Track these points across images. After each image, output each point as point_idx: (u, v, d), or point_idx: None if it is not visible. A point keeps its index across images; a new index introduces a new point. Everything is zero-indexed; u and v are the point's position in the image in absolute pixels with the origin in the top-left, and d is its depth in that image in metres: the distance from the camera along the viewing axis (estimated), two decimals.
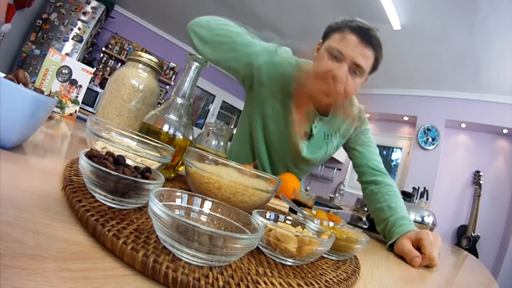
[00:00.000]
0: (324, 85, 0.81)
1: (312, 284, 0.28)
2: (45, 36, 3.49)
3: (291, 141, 0.95)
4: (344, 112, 0.80)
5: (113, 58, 4.41)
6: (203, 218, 0.30)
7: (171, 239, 0.21)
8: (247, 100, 1.01)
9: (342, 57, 0.79)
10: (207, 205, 0.31)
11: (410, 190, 1.81)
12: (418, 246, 0.61)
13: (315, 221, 0.47)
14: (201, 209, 0.31)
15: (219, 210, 0.31)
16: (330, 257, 0.40)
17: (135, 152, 0.37)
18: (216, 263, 0.23)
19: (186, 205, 0.30)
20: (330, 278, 0.31)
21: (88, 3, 3.65)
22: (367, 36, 0.78)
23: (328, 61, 0.81)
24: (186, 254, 0.22)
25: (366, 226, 1.10)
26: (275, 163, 1.03)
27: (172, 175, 0.55)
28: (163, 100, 4.45)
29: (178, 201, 0.29)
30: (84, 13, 3.62)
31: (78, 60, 2.37)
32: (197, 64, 0.54)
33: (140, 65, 0.66)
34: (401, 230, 0.68)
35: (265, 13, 3.11)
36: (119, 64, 4.45)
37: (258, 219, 0.29)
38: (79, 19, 3.60)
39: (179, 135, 0.52)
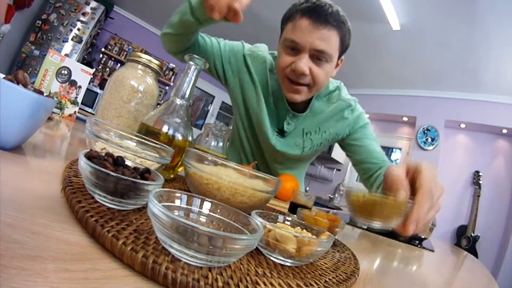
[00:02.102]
0: (289, 82, 0.76)
1: (312, 285, 0.28)
2: (44, 36, 3.49)
3: (263, 134, 0.91)
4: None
5: (113, 59, 4.41)
6: (202, 219, 0.31)
7: (171, 239, 0.22)
8: (231, 98, 0.98)
9: (299, 47, 0.72)
10: (206, 206, 0.31)
11: None
12: (413, 182, 0.43)
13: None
14: (200, 210, 0.31)
15: (218, 211, 0.31)
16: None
17: (134, 153, 0.37)
18: (215, 263, 0.23)
19: (185, 206, 0.30)
20: (329, 279, 0.31)
21: (87, 3, 3.65)
22: (320, 16, 0.69)
23: (286, 55, 0.75)
24: (185, 255, 0.22)
25: (365, 227, 1.10)
26: (260, 164, 0.99)
27: (172, 176, 0.55)
28: (162, 101, 4.45)
29: (177, 202, 0.29)
30: (84, 14, 3.62)
31: (77, 61, 2.37)
32: (196, 65, 0.54)
33: (140, 66, 0.66)
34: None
35: (265, 12, 3.11)
36: (119, 65, 4.45)
37: (257, 220, 0.29)
38: (78, 20, 3.60)
39: (179, 136, 0.52)
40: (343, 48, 0.77)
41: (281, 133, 0.91)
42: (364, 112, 0.94)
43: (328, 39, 0.70)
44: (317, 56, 0.72)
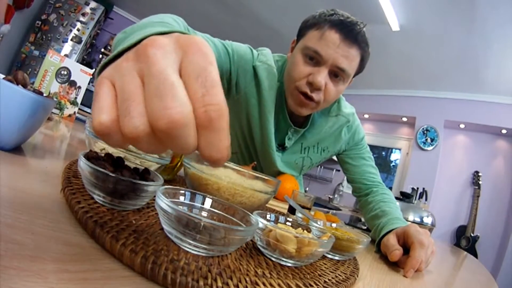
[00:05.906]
0: (299, 94, 0.71)
1: (311, 285, 0.28)
2: (44, 37, 3.49)
3: (267, 152, 0.84)
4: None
5: None
6: (204, 213, 0.33)
7: (176, 231, 0.24)
8: (230, 109, 0.88)
9: (321, 60, 0.67)
10: (208, 202, 0.33)
11: (409, 191, 1.82)
12: (404, 242, 0.56)
13: (319, 222, 0.47)
14: (202, 205, 0.33)
15: (218, 206, 0.33)
16: (334, 257, 0.41)
17: (133, 153, 0.37)
18: (217, 253, 0.25)
19: (188, 202, 0.32)
20: (328, 279, 0.31)
21: (87, 4, 3.64)
22: (351, 33, 0.66)
23: (304, 64, 0.69)
24: (189, 244, 0.24)
25: (365, 227, 1.10)
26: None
27: (171, 176, 0.55)
28: None
29: (181, 199, 0.32)
30: (83, 14, 3.62)
31: (77, 61, 2.36)
32: None
33: None
34: (388, 227, 0.61)
35: (265, 13, 3.11)
36: None
37: (256, 218, 0.30)
38: (78, 20, 3.59)
39: None
40: (359, 70, 0.75)
41: (281, 148, 0.87)
42: (360, 124, 0.92)
43: (352, 59, 0.68)
44: (335, 73, 0.69)
